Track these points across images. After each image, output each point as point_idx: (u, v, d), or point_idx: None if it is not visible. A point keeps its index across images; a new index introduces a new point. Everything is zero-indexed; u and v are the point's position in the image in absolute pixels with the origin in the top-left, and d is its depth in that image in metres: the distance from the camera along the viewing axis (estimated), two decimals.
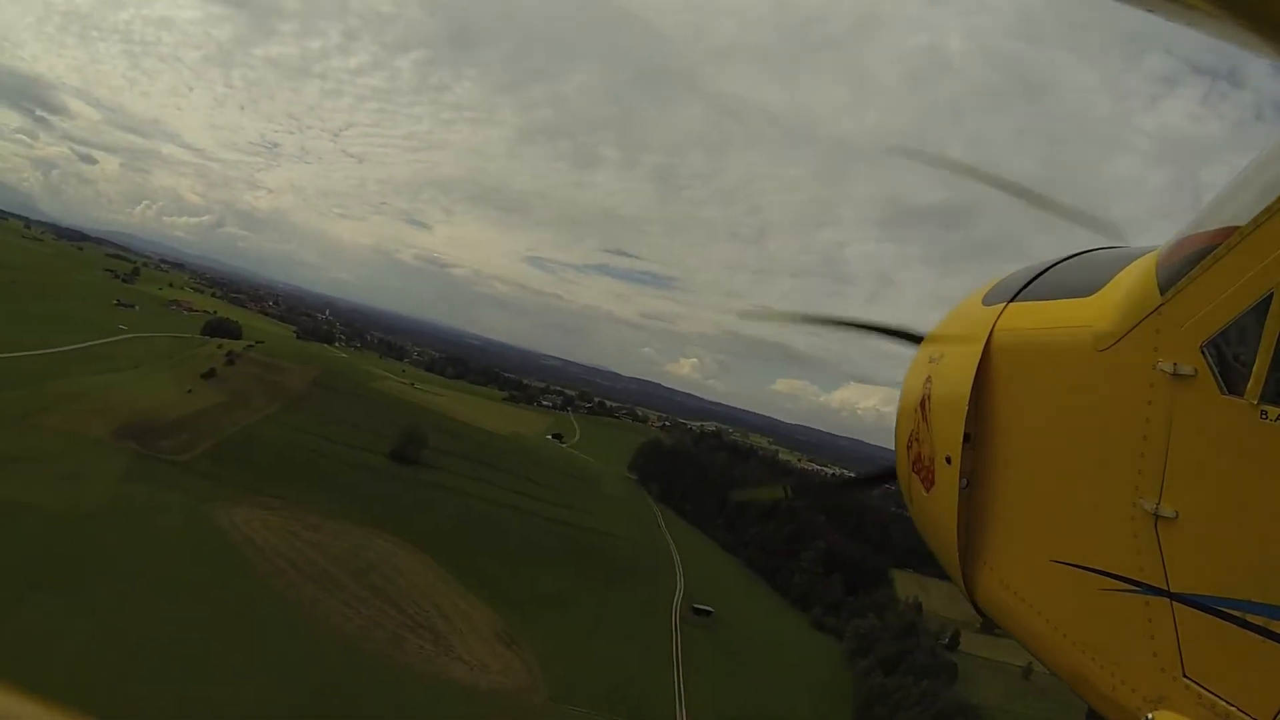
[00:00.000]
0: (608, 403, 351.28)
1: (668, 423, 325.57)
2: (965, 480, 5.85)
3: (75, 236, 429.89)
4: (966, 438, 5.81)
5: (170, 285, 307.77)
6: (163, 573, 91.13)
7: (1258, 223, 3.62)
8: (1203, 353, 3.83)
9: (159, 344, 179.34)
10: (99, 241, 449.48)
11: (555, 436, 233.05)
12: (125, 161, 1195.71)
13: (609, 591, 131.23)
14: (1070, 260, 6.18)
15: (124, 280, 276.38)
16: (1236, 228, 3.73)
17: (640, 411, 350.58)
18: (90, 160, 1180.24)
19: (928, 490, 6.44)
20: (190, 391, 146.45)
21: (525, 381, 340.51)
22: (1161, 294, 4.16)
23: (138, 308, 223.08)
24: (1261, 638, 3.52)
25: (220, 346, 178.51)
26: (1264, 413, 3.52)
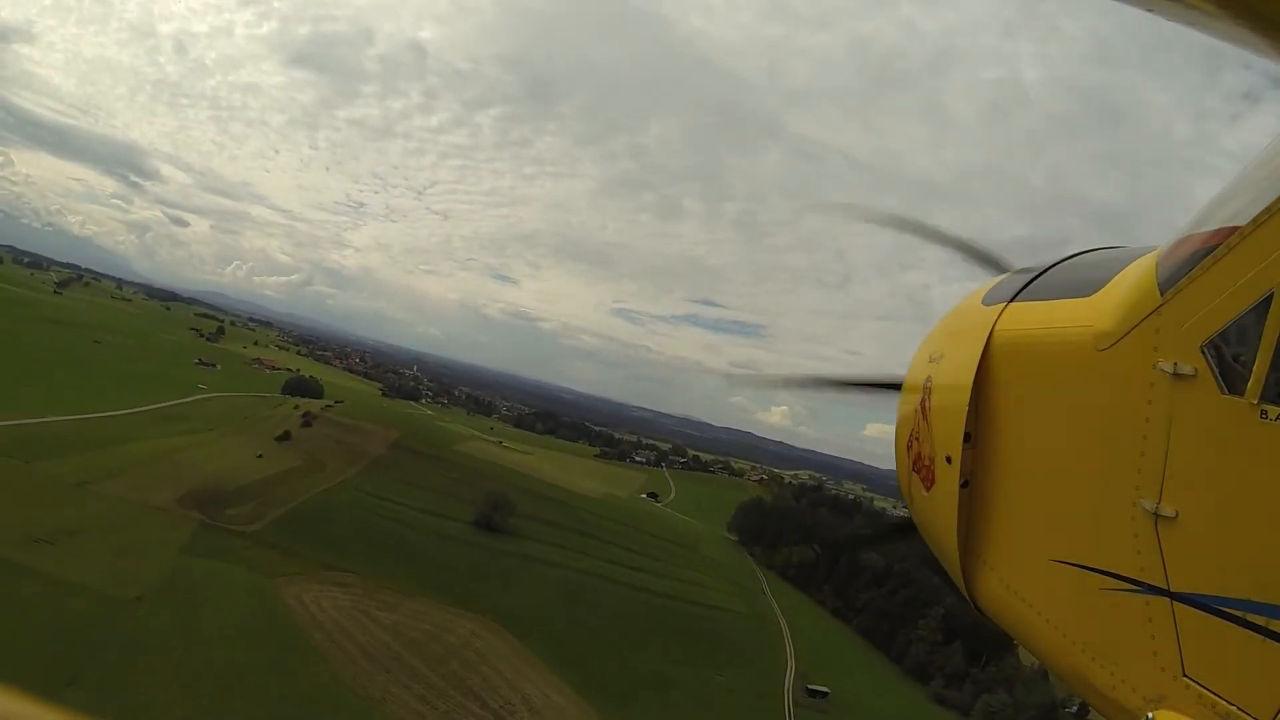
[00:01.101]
0: (701, 456, 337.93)
1: (764, 476, 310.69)
2: (965, 480, 5.88)
3: (166, 297, 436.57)
4: (967, 437, 5.84)
5: (255, 343, 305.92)
6: (217, 663, 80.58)
7: (1258, 223, 3.65)
8: (1203, 353, 3.88)
9: (235, 404, 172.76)
10: (189, 301, 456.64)
11: (650, 495, 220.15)
12: (216, 223, 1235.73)
13: (715, 672, 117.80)
14: (1070, 260, 6.19)
15: (208, 339, 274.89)
16: (1236, 228, 3.78)
17: (735, 464, 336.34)
18: (182, 223, 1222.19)
19: (928, 490, 6.49)
20: (261, 456, 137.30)
21: (616, 435, 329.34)
22: (1161, 294, 4.20)
23: (219, 366, 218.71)
24: (1262, 637, 3.55)
25: (297, 407, 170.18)
26: (1264, 412, 3.56)
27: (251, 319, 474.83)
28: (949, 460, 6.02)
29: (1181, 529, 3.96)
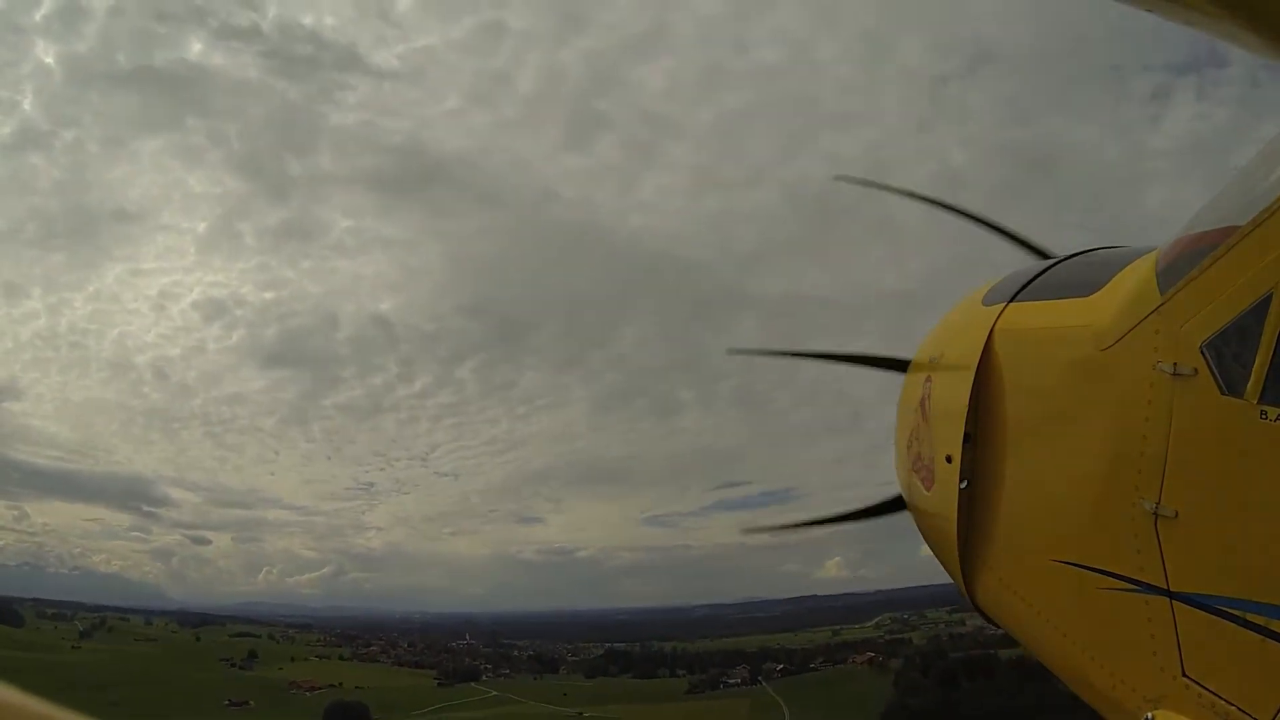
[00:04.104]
0: (793, 648, 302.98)
1: (871, 656, 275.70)
2: (965, 479, 5.91)
3: (198, 622, 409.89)
4: (967, 437, 5.88)
5: (291, 659, 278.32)
6: None
7: (1257, 223, 3.66)
8: (1202, 352, 3.91)
9: None
10: (224, 620, 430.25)
11: None
12: (236, 535, 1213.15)
13: None
14: (1070, 260, 6.28)
15: (241, 667, 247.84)
16: (1236, 228, 3.80)
17: (838, 640, 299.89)
18: (203, 541, 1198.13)
19: (928, 489, 6.51)
20: None
21: (691, 649, 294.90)
22: (1161, 294, 4.25)
23: (252, 703, 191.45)
24: (1261, 637, 3.57)
25: None
26: (1263, 412, 3.58)
27: (290, 625, 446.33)
28: (949, 460, 6.07)
29: (1181, 529, 4.00)
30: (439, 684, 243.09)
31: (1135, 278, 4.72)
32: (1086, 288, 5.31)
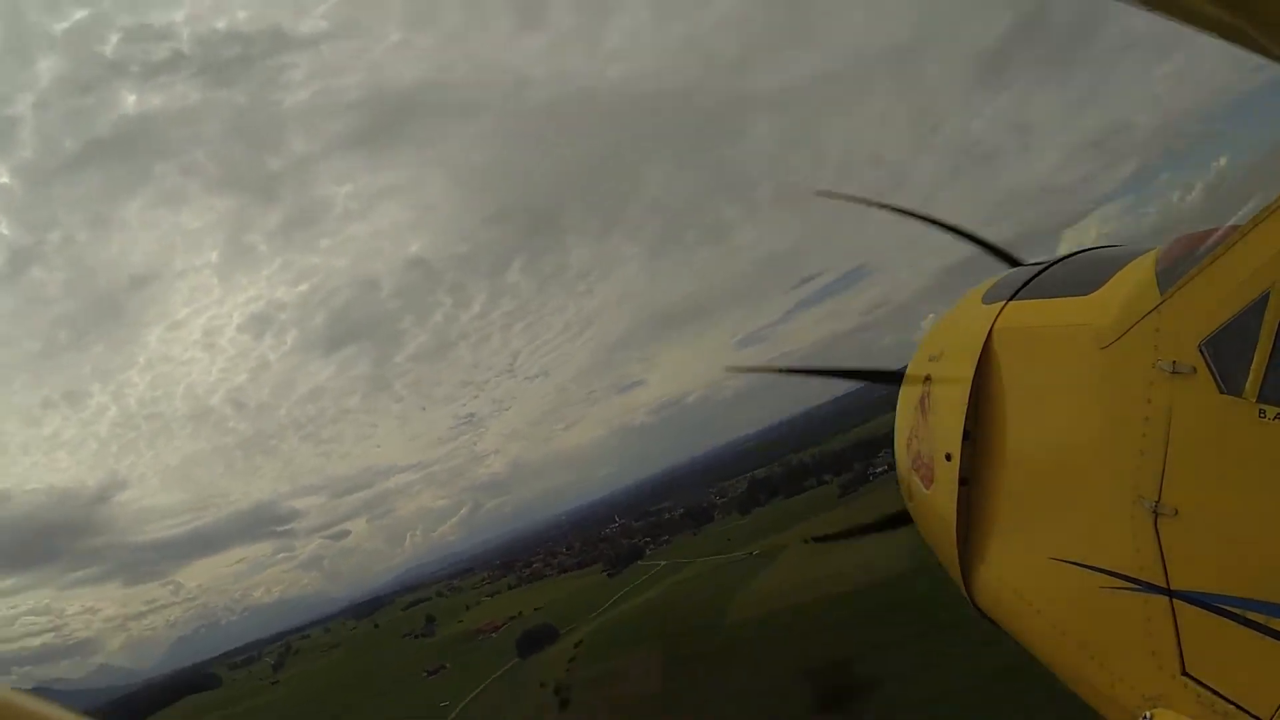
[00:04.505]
0: None
1: None
2: (965, 478, 5.94)
3: (369, 609, 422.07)
4: (966, 435, 5.92)
5: (467, 608, 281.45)
6: None
7: (1256, 222, 3.70)
8: (1202, 351, 3.92)
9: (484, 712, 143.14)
10: (391, 599, 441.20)
11: None
12: (369, 515, 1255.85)
13: None
14: (1069, 259, 6.27)
15: (424, 635, 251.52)
16: (1236, 227, 3.83)
17: None
18: (343, 535, 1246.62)
19: (927, 488, 6.55)
20: None
21: (830, 449, 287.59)
22: (1161, 292, 4.26)
23: (447, 664, 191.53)
24: (1261, 635, 3.58)
25: (544, 685, 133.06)
26: (1262, 411, 3.58)
27: (451, 576, 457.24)
28: (948, 458, 6.09)
29: (1181, 527, 4.00)
30: (609, 575, 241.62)
31: (1135, 276, 4.72)
32: (1086, 286, 5.29)
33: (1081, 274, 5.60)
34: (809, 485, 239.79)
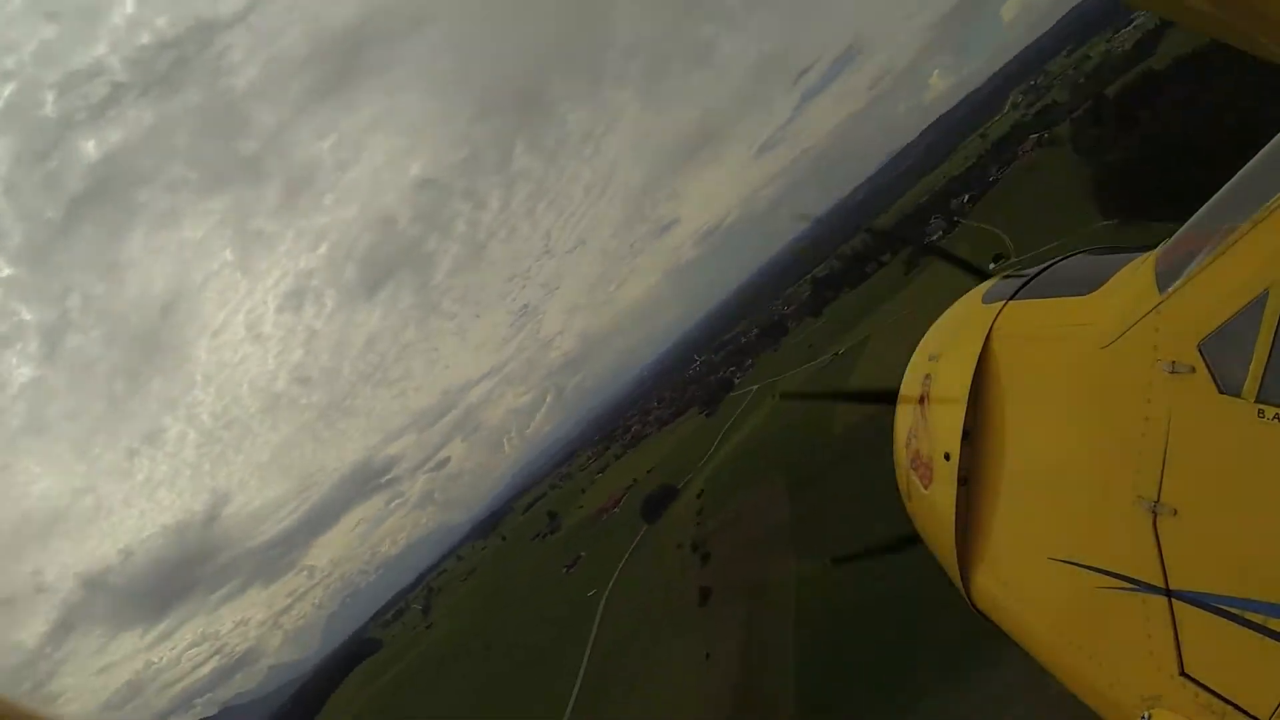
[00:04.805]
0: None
1: (1033, 144, 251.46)
2: (964, 477, 5.97)
3: (493, 523, 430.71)
4: (965, 435, 5.96)
5: (583, 492, 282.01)
6: None
7: (1255, 222, 3.71)
8: (1200, 351, 3.95)
9: (628, 590, 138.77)
10: (509, 508, 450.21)
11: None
12: (462, 436, 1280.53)
13: None
14: (1069, 259, 6.35)
15: (551, 532, 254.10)
16: (1234, 227, 3.85)
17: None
18: (443, 463, 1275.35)
19: (926, 487, 6.59)
20: (709, 656, 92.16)
21: (879, 227, 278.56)
22: (1160, 292, 4.30)
23: (582, 554, 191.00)
24: (1260, 635, 3.56)
25: (680, 546, 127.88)
26: (1261, 410, 3.57)
27: (558, 465, 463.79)
28: (947, 457, 6.12)
29: (1179, 527, 4.01)
30: (707, 415, 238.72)
31: (1134, 276, 4.76)
32: (1085, 286, 5.32)
33: (1081, 274, 5.57)
34: (870, 270, 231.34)
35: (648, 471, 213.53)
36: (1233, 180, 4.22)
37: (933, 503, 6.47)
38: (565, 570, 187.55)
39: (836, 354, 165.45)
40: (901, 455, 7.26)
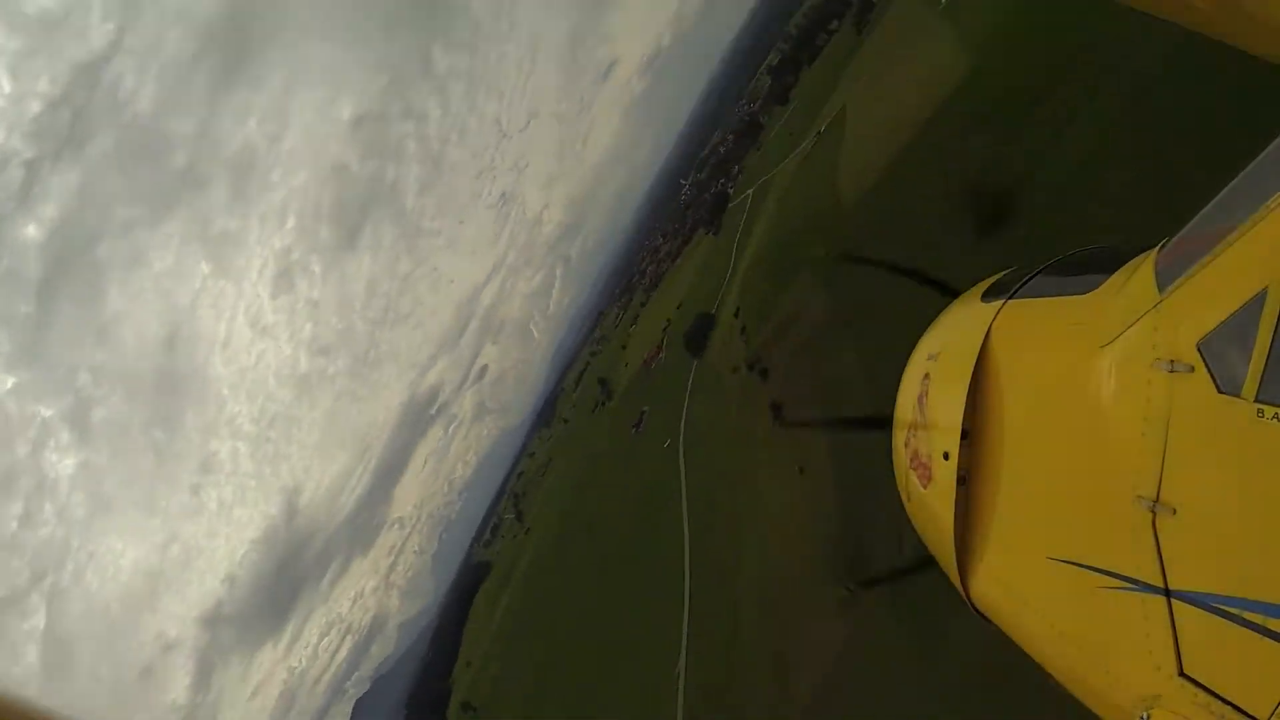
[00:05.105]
0: None
1: None
2: (963, 476, 5.97)
3: (550, 414, 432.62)
4: (964, 434, 5.95)
5: (624, 348, 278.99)
6: None
7: (1254, 222, 3.72)
8: (1200, 350, 3.96)
9: (707, 434, 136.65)
10: (560, 389, 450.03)
11: None
12: (493, 339, 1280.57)
13: None
14: (1068, 258, 6.35)
15: (607, 400, 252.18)
16: (1234, 227, 3.85)
17: None
18: (483, 371, 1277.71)
19: (925, 486, 6.58)
20: (803, 471, 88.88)
21: None
22: (1160, 291, 4.32)
23: (645, 408, 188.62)
24: (1259, 635, 3.56)
25: (735, 370, 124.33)
26: (1260, 410, 3.58)
27: (589, 332, 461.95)
28: (946, 457, 6.10)
29: (1178, 527, 4.01)
30: (715, 234, 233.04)
31: (1133, 276, 4.77)
32: (1084, 285, 5.32)
33: (1080, 273, 5.53)
34: (822, 42, 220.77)
35: (677, 308, 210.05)
36: (1232, 180, 4.16)
37: (931, 502, 6.40)
38: (634, 430, 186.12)
39: (820, 132, 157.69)
40: (900, 455, 7.19)
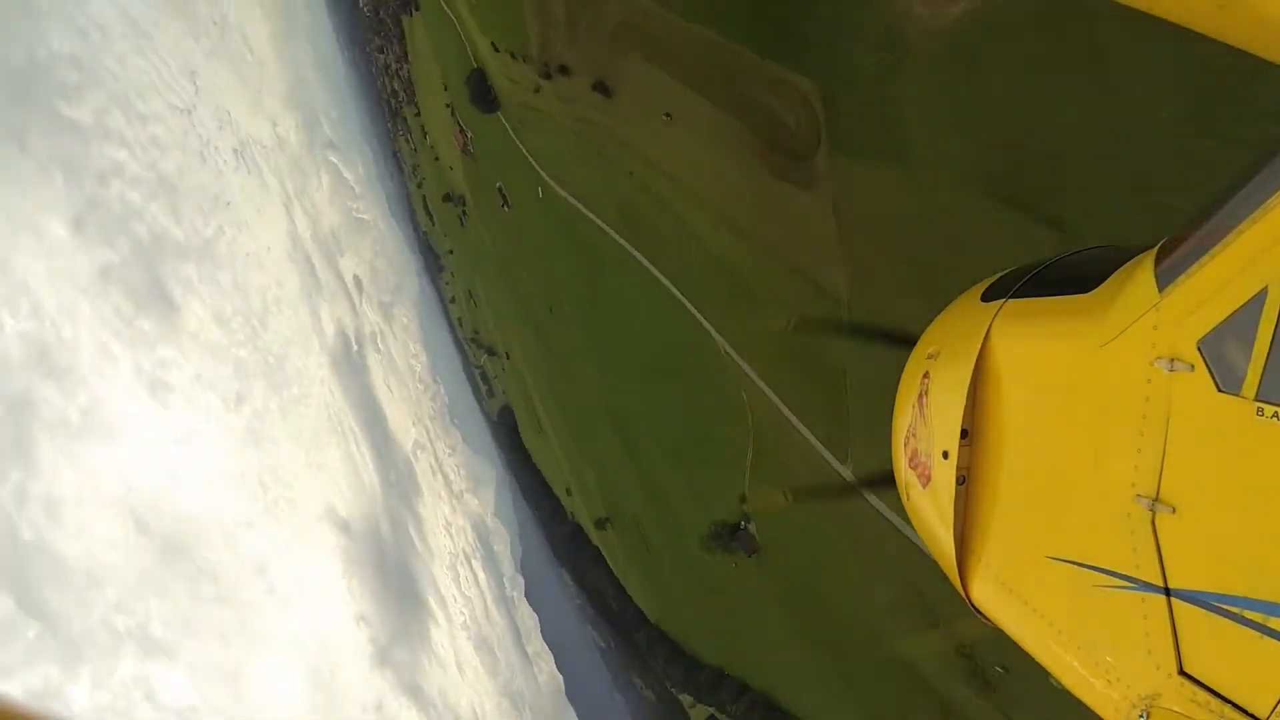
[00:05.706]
0: None
1: None
2: (962, 476, 5.99)
3: (435, 265, 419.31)
4: (964, 433, 5.98)
5: (434, 150, 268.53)
6: None
7: (1254, 221, 3.71)
8: (1200, 349, 3.95)
9: (557, 146, 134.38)
10: (416, 231, 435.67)
11: None
12: (339, 253, 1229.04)
13: None
14: (1068, 258, 6.35)
15: (461, 212, 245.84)
16: (1234, 225, 3.85)
17: None
18: (358, 282, 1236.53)
19: (924, 486, 6.59)
20: (669, 115, 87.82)
21: None
22: (1160, 291, 4.31)
23: (501, 186, 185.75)
24: (1258, 634, 3.57)
25: (539, 90, 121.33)
26: (1260, 409, 3.58)
27: (399, 168, 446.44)
28: (946, 456, 6.11)
29: (1178, 525, 4.02)
30: (416, 9, 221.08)
31: (1133, 275, 4.76)
32: (1084, 284, 5.30)
33: (1080, 272, 5.50)
34: None
35: (445, 89, 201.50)
36: (1232, 180, 4.11)
37: (931, 502, 6.38)
38: (505, 209, 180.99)
39: None
40: (899, 454, 7.18)
